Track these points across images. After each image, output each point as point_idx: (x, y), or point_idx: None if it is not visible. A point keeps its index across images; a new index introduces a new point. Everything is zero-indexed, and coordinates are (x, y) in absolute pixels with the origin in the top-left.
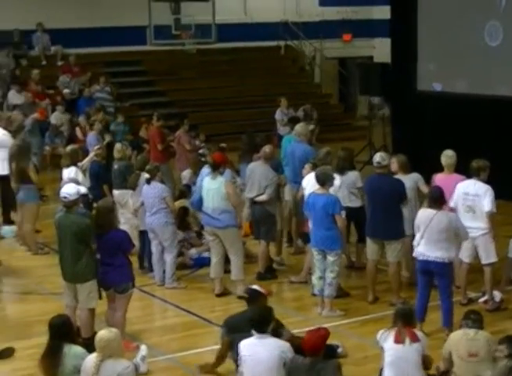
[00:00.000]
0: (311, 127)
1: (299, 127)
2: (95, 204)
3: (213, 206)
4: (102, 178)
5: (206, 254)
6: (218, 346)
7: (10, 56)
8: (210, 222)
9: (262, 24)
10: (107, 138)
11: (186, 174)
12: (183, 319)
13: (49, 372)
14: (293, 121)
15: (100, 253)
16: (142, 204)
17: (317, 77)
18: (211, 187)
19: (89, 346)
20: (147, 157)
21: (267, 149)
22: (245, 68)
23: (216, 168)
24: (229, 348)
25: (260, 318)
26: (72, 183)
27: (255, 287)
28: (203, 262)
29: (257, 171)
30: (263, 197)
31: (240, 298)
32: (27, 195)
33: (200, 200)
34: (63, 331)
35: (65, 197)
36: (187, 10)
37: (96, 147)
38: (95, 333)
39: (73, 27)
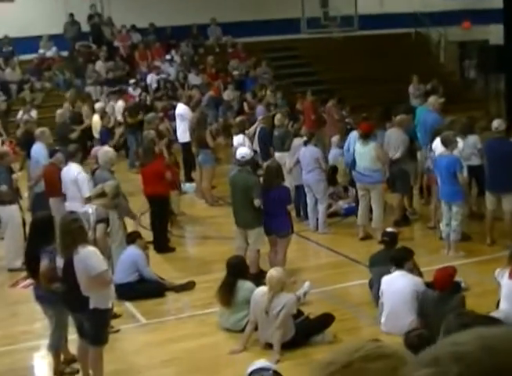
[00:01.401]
0: (442, 100)
1: (432, 99)
2: (260, 165)
3: (364, 166)
4: (267, 142)
5: (353, 205)
6: (362, 281)
7: (189, 46)
8: (363, 179)
9: (395, 15)
10: (273, 110)
11: (335, 139)
12: (333, 259)
13: (225, 302)
14: (424, 95)
15: (265, 205)
16: (297, 162)
17: (442, 58)
18: (363, 151)
19: (256, 280)
20: (301, 126)
21: (398, 117)
22: (382, 51)
23: (366, 137)
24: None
25: (400, 256)
26: (246, 147)
27: (389, 229)
28: (351, 211)
29: (392, 135)
30: (397, 155)
31: (381, 242)
32: (205, 158)
33: (354, 162)
34: (238, 269)
35: (242, 157)
36: (334, 4)
37: (261, 117)
38: (260, 269)
39: (241, 21)
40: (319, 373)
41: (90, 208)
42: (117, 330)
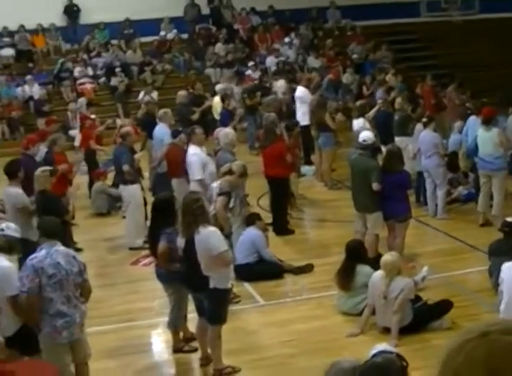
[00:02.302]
0: None
1: None
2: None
3: (487, 152)
4: (388, 126)
5: (473, 191)
6: (481, 268)
7: (309, 29)
8: (486, 166)
9: None
10: (393, 94)
11: (458, 124)
12: (452, 245)
13: (343, 285)
14: None
15: (385, 189)
16: (419, 149)
17: None
18: (486, 136)
19: (374, 264)
20: (423, 111)
21: None
22: (503, 35)
23: (489, 122)
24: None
25: None
26: (369, 131)
27: (510, 219)
28: (471, 198)
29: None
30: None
31: (500, 230)
32: (325, 141)
33: (476, 148)
34: (357, 253)
35: (364, 141)
36: None
37: (380, 101)
38: (379, 253)
39: (360, 4)
40: (457, 339)
41: (215, 183)
42: (238, 301)
